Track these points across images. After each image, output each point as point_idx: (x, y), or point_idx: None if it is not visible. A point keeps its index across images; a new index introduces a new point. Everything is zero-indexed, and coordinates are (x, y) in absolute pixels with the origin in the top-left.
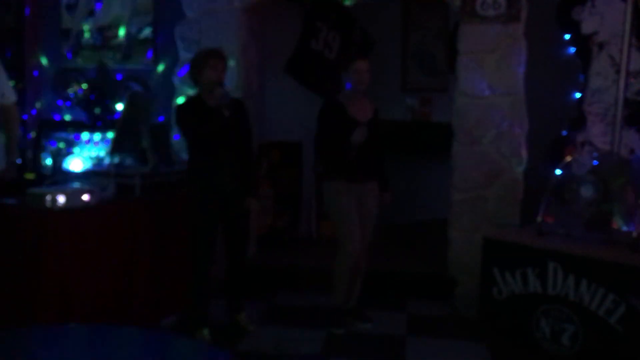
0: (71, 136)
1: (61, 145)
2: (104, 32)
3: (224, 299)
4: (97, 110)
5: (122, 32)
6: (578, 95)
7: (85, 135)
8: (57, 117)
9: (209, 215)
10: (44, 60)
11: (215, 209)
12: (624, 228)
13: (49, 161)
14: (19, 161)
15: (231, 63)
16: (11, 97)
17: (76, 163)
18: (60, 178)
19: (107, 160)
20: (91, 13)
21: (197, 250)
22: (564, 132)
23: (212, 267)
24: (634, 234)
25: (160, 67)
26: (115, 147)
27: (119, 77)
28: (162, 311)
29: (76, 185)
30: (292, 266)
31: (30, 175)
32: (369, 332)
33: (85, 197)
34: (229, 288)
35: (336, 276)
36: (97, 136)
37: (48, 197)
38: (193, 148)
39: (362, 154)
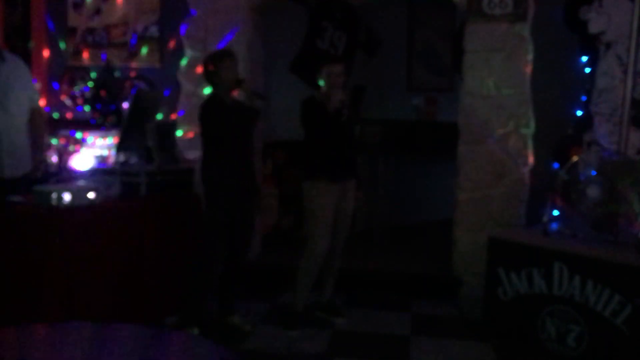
0: (77, 134)
1: (67, 143)
2: (110, 30)
3: (217, 300)
4: (103, 109)
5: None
6: (585, 95)
7: (91, 133)
8: (63, 115)
9: (226, 214)
10: (50, 59)
11: (231, 208)
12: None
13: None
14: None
15: None
16: (38, 100)
17: (82, 161)
18: (66, 176)
19: (112, 159)
20: (97, 11)
21: (214, 249)
22: (571, 132)
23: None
24: None
25: (166, 66)
26: (121, 146)
27: (125, 75)
28: (166, 309)
29: (82, 183)
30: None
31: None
32: (374, 332)
33: (91, 195)
34: (223, 289)
35: (302, 276)
36: (103, 134)
37: (54, 195)
38: (213, 146)
39: (342, 151)
